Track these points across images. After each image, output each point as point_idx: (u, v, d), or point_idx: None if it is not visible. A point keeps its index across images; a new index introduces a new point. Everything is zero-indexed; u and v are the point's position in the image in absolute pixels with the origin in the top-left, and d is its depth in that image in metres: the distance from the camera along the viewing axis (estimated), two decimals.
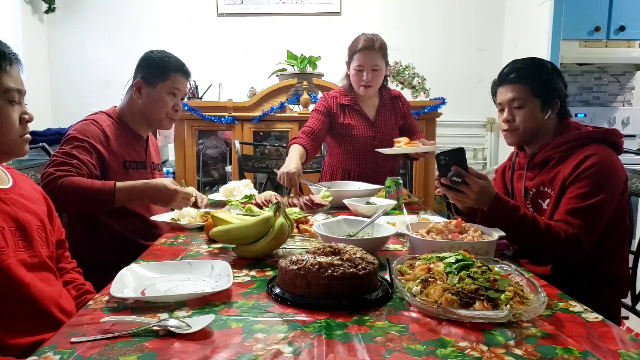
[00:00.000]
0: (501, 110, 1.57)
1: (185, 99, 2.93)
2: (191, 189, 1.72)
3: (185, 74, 1.82)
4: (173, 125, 1.96)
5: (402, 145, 2.13)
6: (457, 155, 1.32)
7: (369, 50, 2.21)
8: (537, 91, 1.49)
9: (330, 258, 0.99)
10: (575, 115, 3.61)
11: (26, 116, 1.14)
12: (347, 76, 2.34)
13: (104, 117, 1.75)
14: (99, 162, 1.64)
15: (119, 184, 1.58)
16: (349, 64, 2.29)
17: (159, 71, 1.77)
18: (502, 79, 1.55)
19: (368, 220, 1.40)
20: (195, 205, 1.93)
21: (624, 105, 3.82)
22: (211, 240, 1.43)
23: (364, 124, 2.34)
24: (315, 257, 0.99)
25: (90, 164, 1.60)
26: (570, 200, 1.38)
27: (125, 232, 1.73)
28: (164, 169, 2.64)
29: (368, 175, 2.33)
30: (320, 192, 1.91)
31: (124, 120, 1.80)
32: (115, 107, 1.85)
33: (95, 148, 1.64)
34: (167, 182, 1.64)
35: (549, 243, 1.34)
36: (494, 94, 1.60)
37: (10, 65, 1.09)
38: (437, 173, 1.37)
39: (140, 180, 1.65)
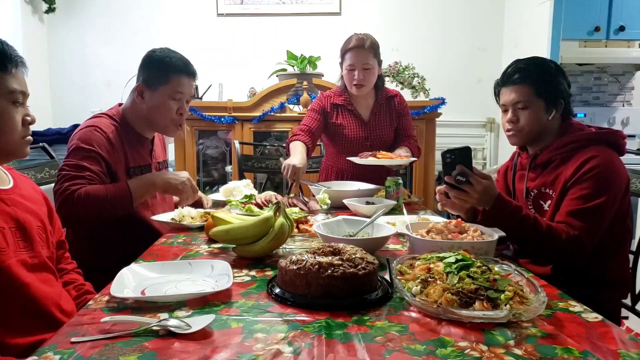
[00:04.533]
0: (505, 111, 1.56)
1: None
2: (186, 174, 1.69)
3: (190, 74, 1.72)
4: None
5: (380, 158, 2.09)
6: (463, 154, 1.32)
7: (359, 49, 2.19)
8: (541, 92, 1.48)
9: (330, 258, 0.99)
10: (575, 115, 3.61)
11: (28, 118, 1.15)
12: (342, 77, 2.33)
13: (106, 121, 1.68)
14: (107, 170, 1.60)
15: (131, 185, 1.57)
16: (341, 64, 2.29)
17: (160, 74, 1.67)
18: (506, 80, 1.53)
19: (368, 220, 1.40)
20: (201, 205, 1.92)
21: (623, 105, 3.82)
22: (211, 240, 1.43)
23: (357, 124, 2.33)
24: (315, 257, 0.99)
25: (101, 174, 1.57)
26: (572, 202, 1.38)
27: (128, 239, 1.67)
28: None
29: (361, 175, 2.30)
30: (320, 192, 1.91)
31: (127, 122, 1.72)
32: (119, 105, 1.77)
33: (102, 157, 1.59)
34: (173, 178, 1.64)
35: (550, 244, 1.33)
36: (496, 94, 1.60)
37: (16, 68, 1.10)
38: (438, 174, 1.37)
39: (147, 176, 1.64)
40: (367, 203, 1.80)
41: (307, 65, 3.28)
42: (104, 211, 1.53)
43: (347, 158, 2.19)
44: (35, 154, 2.14)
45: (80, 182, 1.50)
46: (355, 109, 2.34)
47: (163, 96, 1.68)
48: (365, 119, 2.34)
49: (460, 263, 0.98)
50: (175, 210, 1.71)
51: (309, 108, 2.40)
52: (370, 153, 2.09)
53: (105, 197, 1.51)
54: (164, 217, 1.68)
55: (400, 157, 2.11)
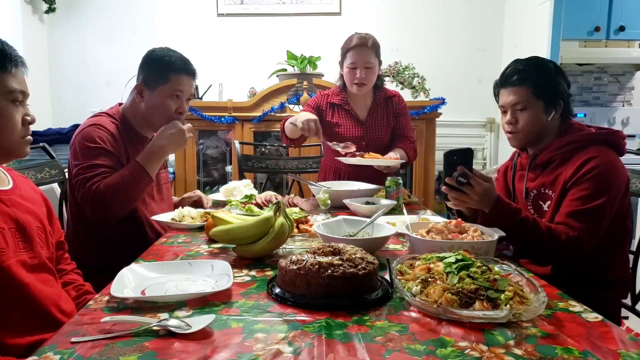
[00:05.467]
0: (504, 112, 1.56)
1: None
2: (176, 125, 1.68)
3: (190, 73, 1.72)
4: None
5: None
6: (465, 156, 1.32)
7: (362, 47, 2.19)
8: (540, 93, 1.47)
9: (330, 258, 0.99)
10: (575, 115, 3.61)
11: (28, 117, 1.15)
12: (341, 76, 2.32)
13: (106, 120, 1.68)
14: (118, 163, 1.62)
15: (140, 160, 1.59)
16: (342, 62, 2.28)
17: (159, 73, 1.67)
18: (504, 81, 1.53)
19: (368, 220, 1.40)
20: (201, 205, 1.92)
21: (623, 105, 3.82)
22: (211, 240, 1.43)
23: (353, 124, 2.32)
24: (315, 257, 0.99)
25: (115, 166, 1.58)
26: (572, 203, 1.38)
27: (128, 239, 1.68)
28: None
29: (359, 175, 2.28)
30: (320, 192, 1.91)
31: (127, 122, 1.73)
32: (118, 104, 1.78)
33: (109, 151, 1.60)
34: (167, 133, 1.64)
35: (550, 246, 1.33)
36: (496, 94, 1.60)
37: (16, 68, 1.11)
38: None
39: (150, 145, 1.64)
40: (367, 203, 1.80)
41: (307, 65, 3.28)
42: (128, 195, 1.55)
43: (335, 157, 2.18)
44: (35, 154, 2.15)
45: (97, 180, 1.52)
46: (352, 109, 2.33)
47: (162, 96, 1.69)
48: (362, 119, 2.33)
49: (460, 263, 0.98)
50: (175, 210, 1.72)
51: (305, 104, 2.41)
52: (358, 153, 2.08)
53: (124, 181, 1.53)
54: (164, 217, 1.68)
55: (389, 158, 2.10)
